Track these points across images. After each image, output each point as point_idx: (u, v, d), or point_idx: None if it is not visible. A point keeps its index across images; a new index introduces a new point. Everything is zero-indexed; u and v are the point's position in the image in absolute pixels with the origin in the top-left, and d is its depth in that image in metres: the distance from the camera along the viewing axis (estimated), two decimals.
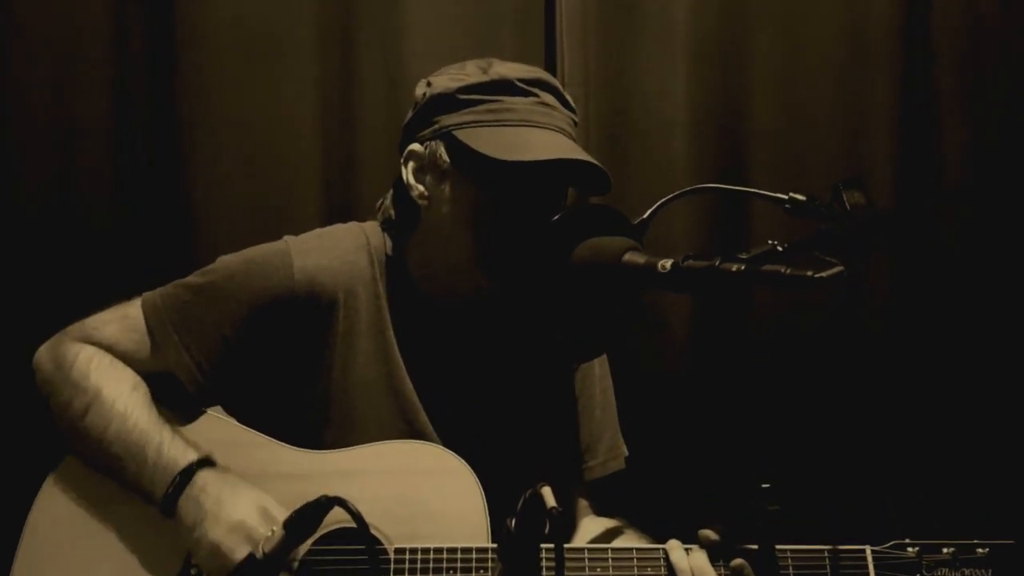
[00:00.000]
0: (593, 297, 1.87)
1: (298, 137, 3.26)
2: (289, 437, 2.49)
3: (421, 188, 2.45)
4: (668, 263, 1.83)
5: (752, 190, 2.10)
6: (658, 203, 2.04)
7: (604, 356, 2.68)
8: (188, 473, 2.39)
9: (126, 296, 2.57)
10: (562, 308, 1.87)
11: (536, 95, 2.39)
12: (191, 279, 2.53)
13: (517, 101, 2.38)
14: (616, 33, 3.35)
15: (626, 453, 2.70)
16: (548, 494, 1.79)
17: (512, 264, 2.35)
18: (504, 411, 2.55)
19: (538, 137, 2.36)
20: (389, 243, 2.52)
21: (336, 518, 2.10)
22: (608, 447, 2.66)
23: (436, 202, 2.45)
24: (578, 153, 2.36)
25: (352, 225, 2.59)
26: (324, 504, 2.18)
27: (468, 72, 2.43)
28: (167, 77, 3.22)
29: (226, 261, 2.52)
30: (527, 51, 3.31)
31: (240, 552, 2.30)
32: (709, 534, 2.33)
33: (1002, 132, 3.41)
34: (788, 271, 1.71)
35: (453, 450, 2.42)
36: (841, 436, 3.37)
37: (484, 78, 2.40)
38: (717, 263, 1.77)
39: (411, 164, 2.46)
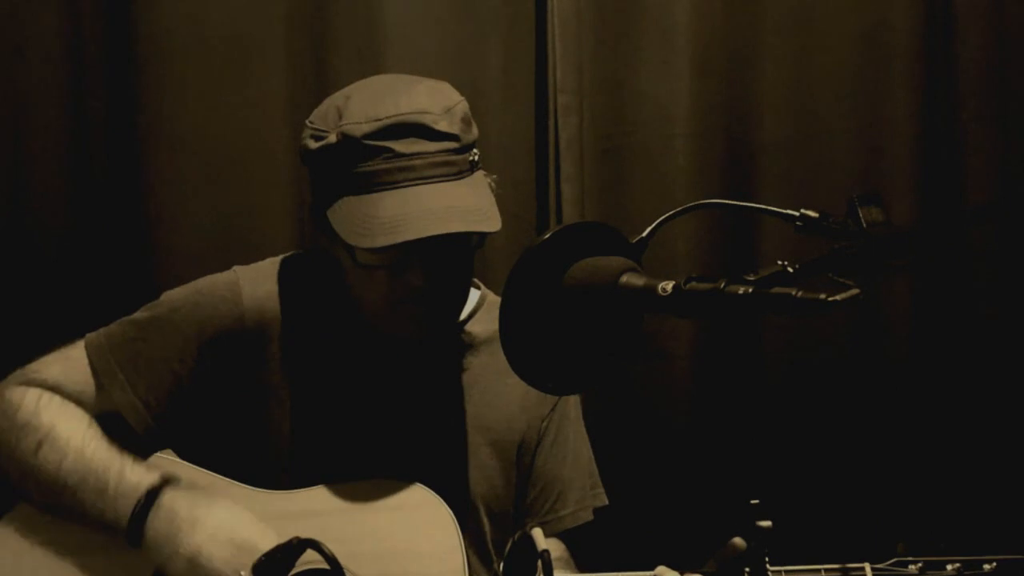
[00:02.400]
0: (587, 322, 1.87)
1: (267, 151, 3.24)
2: (246, 478, 2.50)
3: (327, 243, 2.46)
4: (669, 285, 1.82)
5: (760, 206, 2.09)
6: (659, 220, 2.04)
7: (577, 401, 2.70)
8: (153, 493, 2.41)
9: (78, 328, 2.58)
10: (553, 334, 1.87)
11: (388, 149, 2.33)
12: (136, 315, 2.55)
13: (368, 164, 2.34)
14: (613, 36, 3.35)
15: (604, 502, 2.71)
16: (539, 535, 1.79)
17: (422, 322, 2.44)
18: (470, 447, 2.57)
19: (388, 206, 2.32)
20: (337, 274, 2.52)
21: (301, 559, 2.11)
22: (578, 497, 2.67)
23: (340, 259, 2.46)
24: (425, 222, 2.30)
25: (304, 253, 2.60)
26: (296, 547, 2.18)
27: (327, 125, 2.40)
28: (125, 86, 3.20)
29: (172, 295, 2.55)
30: (516, 56, 3.31)
31: (220, 555, 2.34)
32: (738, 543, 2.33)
33: None
34: (799, 294, 1.70)
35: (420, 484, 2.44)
36: (856, 466, 3.38)
37: (332, 139, 2.37)
38: (722, 285, 1.77)
39: (313, 222, 2.48)
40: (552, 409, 2.64)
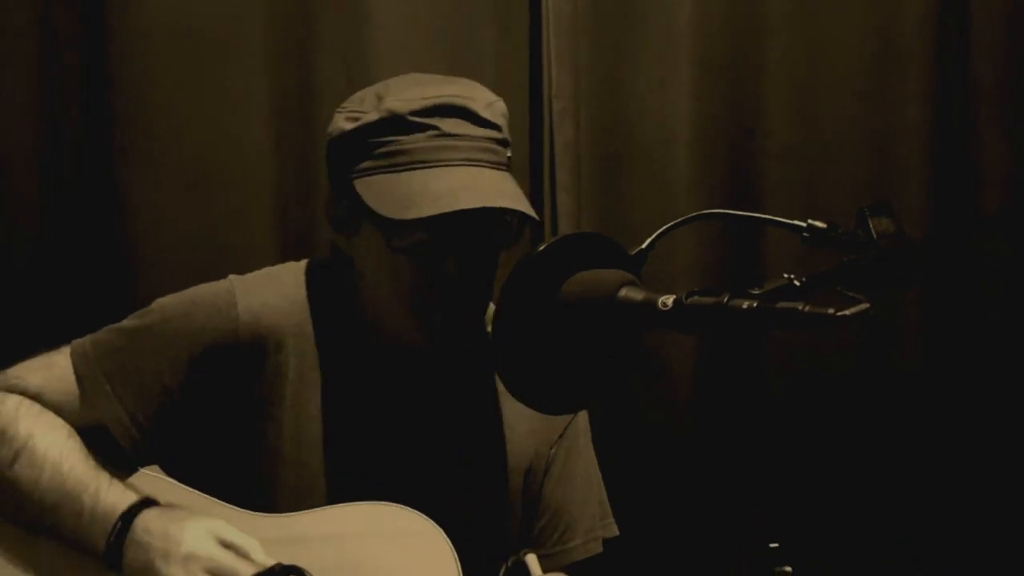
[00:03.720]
0: (584, 339, 1.87)
1: (248, 157, 3.24)
2: (236, 499, 2.48)
3: (342, 240, 2.46)
4: (670, 300, 1.82)
5: (765, 216, 2.10)
6: (659, 231, 2.04)
7: (587, 426, 2.69)
8: (129, 516, 2.38)
9: (52, 344, 2.56)
10: (548, 352, 1.87)
11: (434, 127, 2.36)
12: (125, 323, 2.52)
13: (412, 139, 2.36)
14: (611, 38, 3.36)
15: (615, 532, 2.70)
16: (533, 562, 1.79)
17: (446, 321, 2.41)
18: (475, 473, 2.56)
19: (433, 182, 2.33)
20: (341, 283, 2.52)
21: None
22: (588, 528, 2.67)
23: (358, 254, 2.46)
24: (473, 196, 2.32)
25: (304, 263, 2.59)
26: (279, 574, 2.17)
27: (365, 107, 2.41)
28: (99, 91, 3.19)
29: (164, 303, 2.52)
30: (509, 58, 3.31)
31: None
32: None
33: None
34: (807, 308, 1.70)
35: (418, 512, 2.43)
36: (866, 484, 3.39)
37: (375, 116, 2.39)
38: (726, 300, 1.77)
39: (329, 214, 2.48)
40: (561, 435, 2.63)
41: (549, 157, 3.31)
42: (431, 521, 2.40)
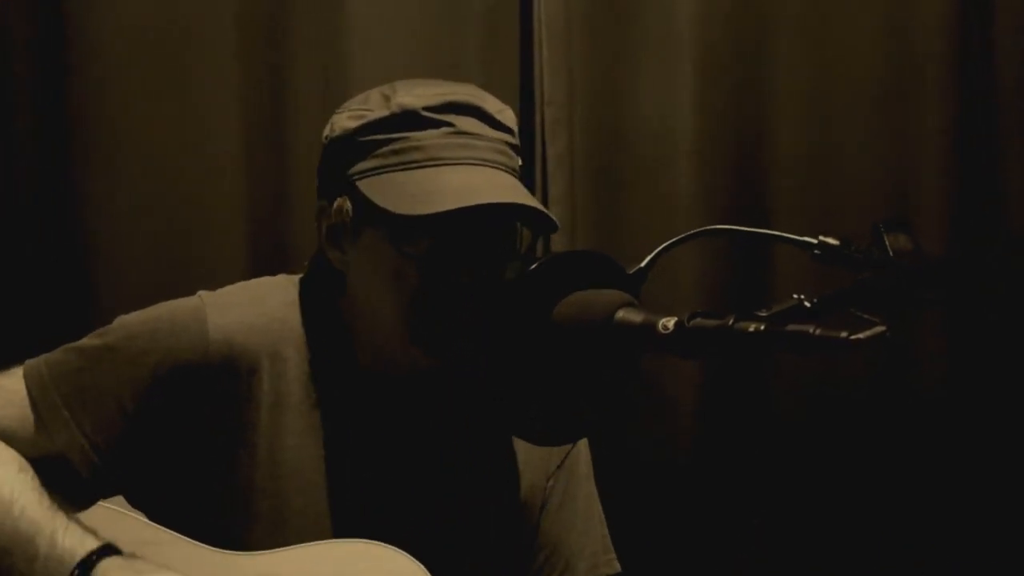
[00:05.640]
0: (578, 364, 1.87)
1: (217, 163, 3.24)
2: (207, 535, 2.47)
3: (337, 252, 2.45)
4: (671, 322, 1.82)
5: (774, 232, 2.10)
6: (660, 248, 2.04)
7: (588, 457, 2.69)
8: (88, 564, 2.34)
9: (5, 364, 2.55)
10: (540, 378, 1.87)
11: (450, 124, 2.36)
12: (84, 342, 2.50)
13: (425, 136, 2.36)
14: (607, 43, 3.35)
15: (616, 570, 2.70)
16: None
17: (449, 334, 2.38)
18: (465, 507, 2.55)
19: (450, 178, 2.34)
20: (324, 302, 2.51)
21: None
22: (589, 565, 2.66)
23: (354, 265, 2.45)
24: (497, 193, 2.34)
25: (281, 278, 2.57)
26: None
27: (370, 105, 2.41)
28: (55, 93, 3.19)
29: (126, 320, 2.50)
30: (498, 62, 3.31)
31: None
32: None
33: None
34: (818, 331, 1.70)
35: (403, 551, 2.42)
36: (883, 528, 3.39)
37: (385, 112, 2.39)
38: (731, 322, 1.77)
39: (323, 224, 2.47)
40: (559, 467, 2.63)
41: (542, 169, 3.31)
42: (419, 564, 2.39)
